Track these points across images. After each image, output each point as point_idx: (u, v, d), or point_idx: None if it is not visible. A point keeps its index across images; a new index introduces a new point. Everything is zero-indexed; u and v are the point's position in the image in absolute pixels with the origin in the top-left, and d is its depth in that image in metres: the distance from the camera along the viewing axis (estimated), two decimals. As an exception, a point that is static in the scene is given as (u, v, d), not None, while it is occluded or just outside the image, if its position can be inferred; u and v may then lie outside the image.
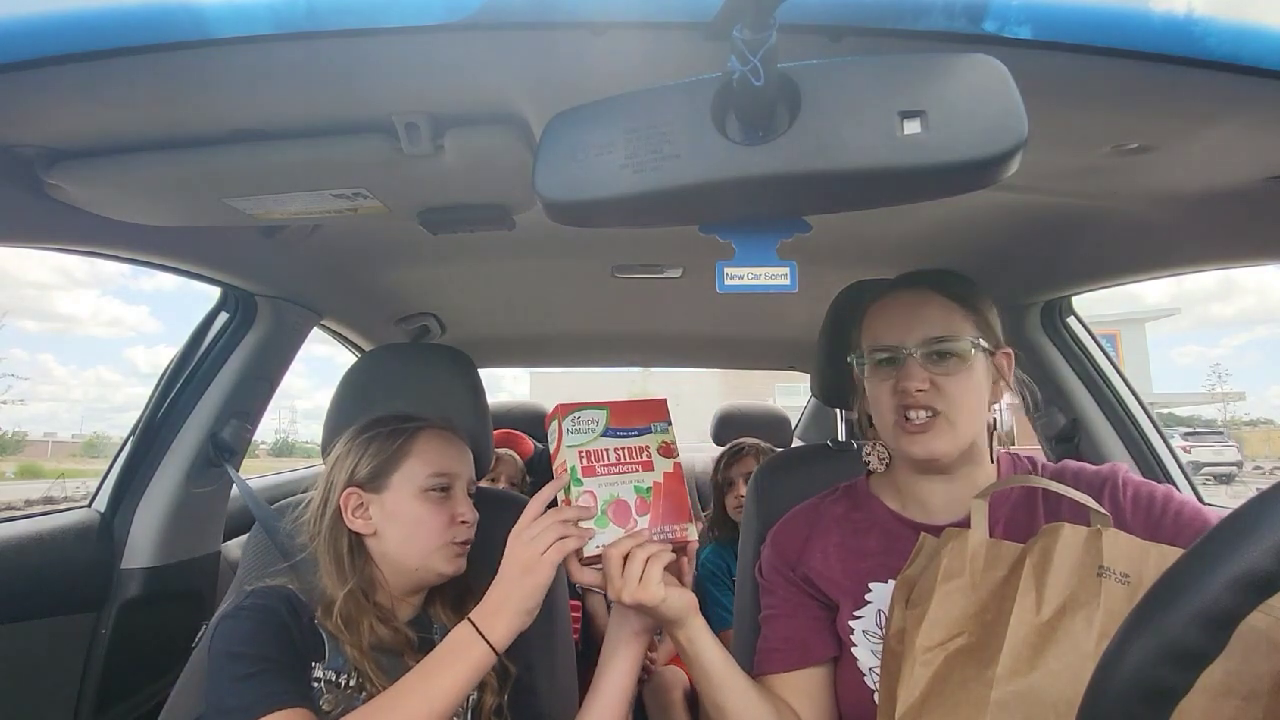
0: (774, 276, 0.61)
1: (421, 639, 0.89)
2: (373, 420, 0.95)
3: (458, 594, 0.95)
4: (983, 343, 0.83)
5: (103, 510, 1.30)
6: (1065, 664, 0.60)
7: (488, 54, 0.63)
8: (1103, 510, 0.70)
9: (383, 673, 0.81)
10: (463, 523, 0.91)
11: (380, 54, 0.62)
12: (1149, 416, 1.45)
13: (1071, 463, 0.90)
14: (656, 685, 1.77)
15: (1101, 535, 0.64)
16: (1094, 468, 0.87)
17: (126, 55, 0.59)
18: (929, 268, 0.92)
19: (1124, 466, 0.87)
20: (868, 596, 0.85)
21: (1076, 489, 0.82)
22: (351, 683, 0.82)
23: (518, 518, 1.14)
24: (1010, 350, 0.88)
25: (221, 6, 0.56)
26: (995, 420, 0.89)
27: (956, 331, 0.83)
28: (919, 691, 0.67)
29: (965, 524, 0.83)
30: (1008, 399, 0.92)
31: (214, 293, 1.40)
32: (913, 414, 0.82)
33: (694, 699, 1.79)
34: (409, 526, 0.88)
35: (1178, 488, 1.19)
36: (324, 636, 0.83)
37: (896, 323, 0.85)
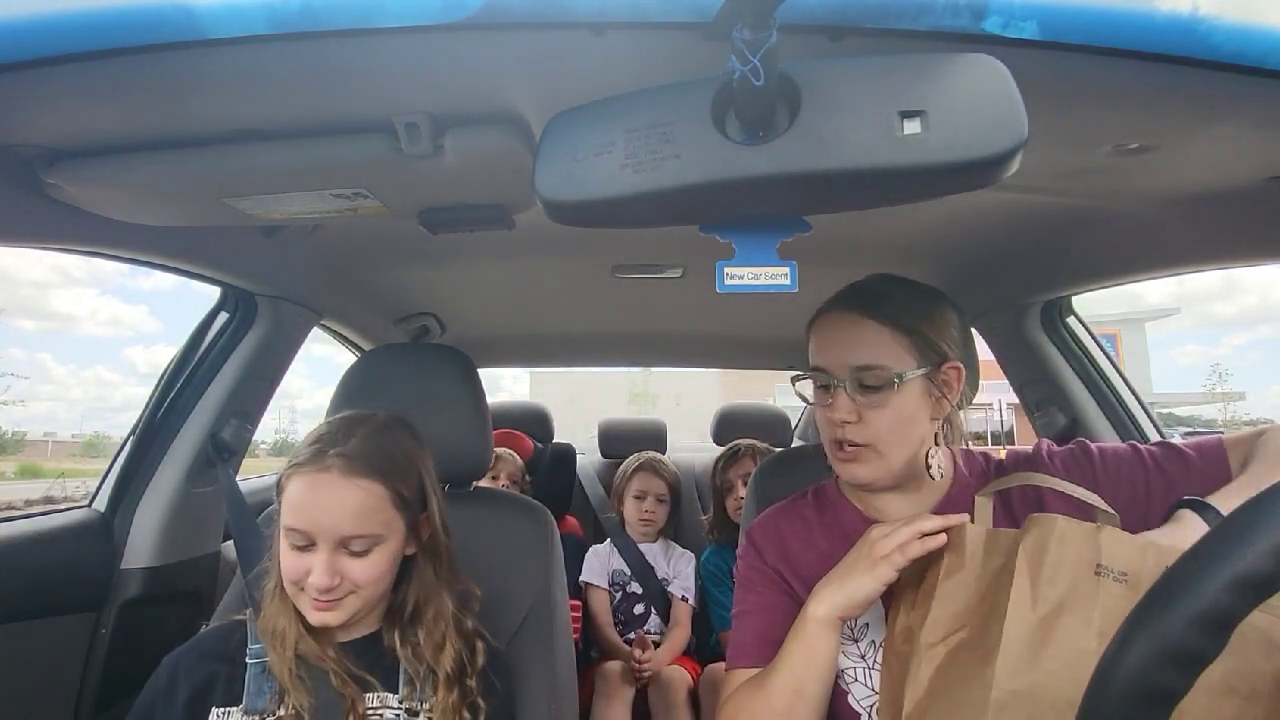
0: (774, 276, 0.61)
1: (372, 661, 0.84)
2: (319, 427, 0.87)
3: (418, 609, 0.87)
4: (914, 371, 0.82)
5: (103, 510, 1.30)
6: (1064, 664, 0.60)
7: (488, 54, 0.63)
8: (1109, 509, 0.70)
9: (303, 684, 0.79)
10: (314, 584, 0.78)
11: (380, 54, 0.62)
12: (1149, 416, 1.45)
13: (1014, 451, 0.93)
14: (659, 685, 1.77)
15: (1101, 533, 0.64)
16: (1028, 452, 0.90)
17: (125, 55, 0.59)
18: (876, 276, 0.90)
19: (1045, 442, 0.90)
20: None
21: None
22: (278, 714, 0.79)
23: (516, 517, 1.14)
24: (960, 365, 0.85)
25: (215, 7, 0.56)
26: (939, 433, 0.87)
27: (885, 360, 0.82)
28: (923, 690, 0.67)
29: None
30: (1007, 399, 0.93)
31: (214, 292, 1.40)
32: (844, 444, 0.84)
33: (696, 699, 1.79)
34: (280, 556, 0.82)
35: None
36: (249, 676, 0.81)
37: (829, 348, 0.86)
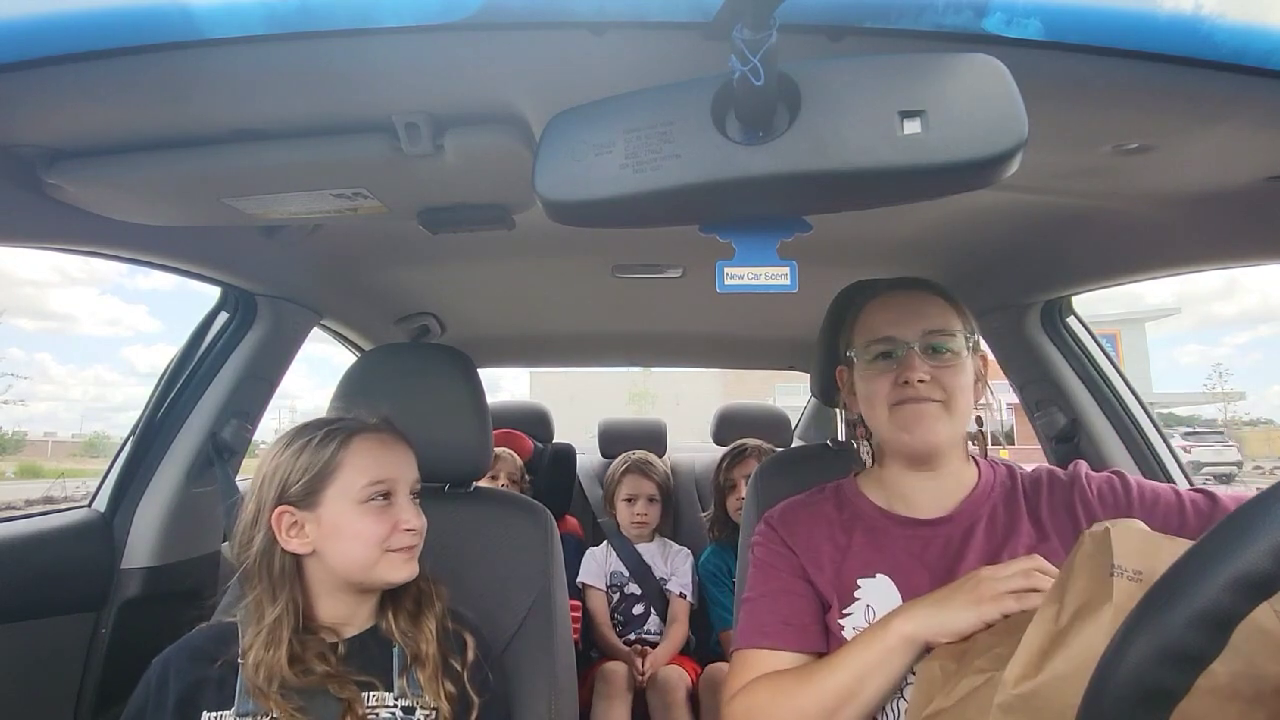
0: (774, 276, 0.61)
1: (368, 658, 0.85)
2: (300, 428, 0.89)
3: (416, 602, 0.90)
4: (971, 339, 0.89)
5: (103, 510, 1.30)
6: (1075, 666, 0.58)
7: (488, 54, 0.63)
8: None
9: (289, 704, 0.78)
10: (407, 530, 0.85)
11: (380, 54, 0.62)
12: (1149, 416, 1.45)
13: (1044, 467, 0.94)
14: (658, 685, 1.77)
15: (1110, 533, 0.62)
16: (1063, 472, 0.91)
17: (125, 55, 0.59)
18: (920, 276, 0.97)
19: (1083, 464, 0.92)
20: (856, 594, 0.86)
21: (1050, 494, 0.88)
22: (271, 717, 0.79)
23: (516, 517, 1.15)
24: (985, 357, 0.93)
25: (212, 7, 0.56)
26: (979, 420, 0.93)
27: (953, 327, 0.88)
28: (951, 700, 0.66)
29: (949, 519, 0.87)
30: (1007, 399, 0.94)
31: (213, 292, 1.40)
32: (912, 401, 0.85)
33: (696, 699, 1.79)
34: (349, 541, 0.83)
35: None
36: (240, 678, 0.80)
37: (896, 317, 0.89)
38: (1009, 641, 0.68)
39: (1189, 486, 0.88)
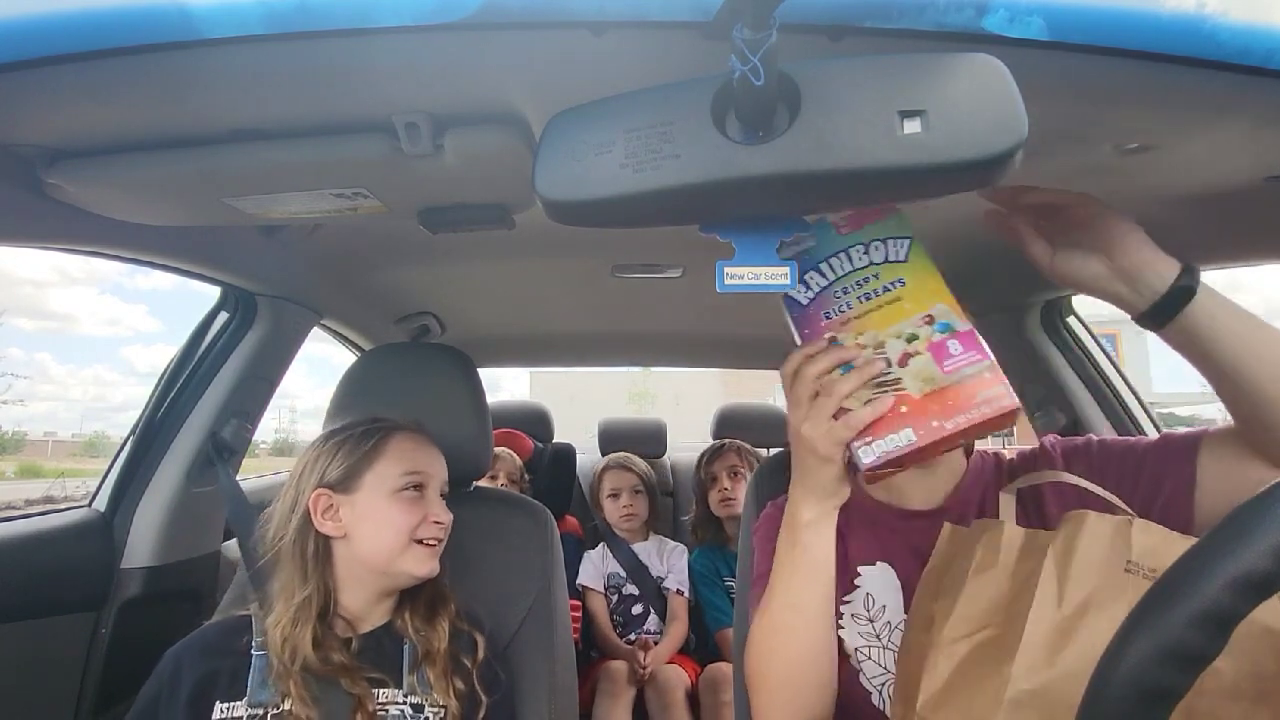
0: (774, 276, 0.61)
1: (380, 655, 0.87)
2: (342, 425, 0.95)
3: (430, 602, 0.92)
4: None
5: (103, 510, 1.30)
6: (1085, 663, 0.57)
7: (487, 53, 0.63)
8: (1125, 506, 0.69)
9: (306, 692, 0.79)
10: (436, 523, 0.90)
11: (379, 54, 0.62)
12: (1149, 416, 1.45)
13: (1022, 449, 0.94)
14: (657, 685, 1.77)
15: (1132, 526, 0.61)
16: (1029, 450, 0.91)
17: (124, 55, 0.59)
18: None
19: (1052, 436, 0.91)
20: (856, 581, 0.87)
21: (1021, 475, 0.86)
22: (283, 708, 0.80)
23: (516, 517, 1.15)
24: None
25: (210, 6, 0.56)
26: None
27: None
28: (940, 683, 0.65)
29: (942, 509, 0.87)
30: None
31: (213, 292, 1.40)
32: None
33: (695, 698, 1.80)
34: (380, 526, 0.87)
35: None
36: (253, 669, 0.82)
37: None
38: (946, 600, 0.69)
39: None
